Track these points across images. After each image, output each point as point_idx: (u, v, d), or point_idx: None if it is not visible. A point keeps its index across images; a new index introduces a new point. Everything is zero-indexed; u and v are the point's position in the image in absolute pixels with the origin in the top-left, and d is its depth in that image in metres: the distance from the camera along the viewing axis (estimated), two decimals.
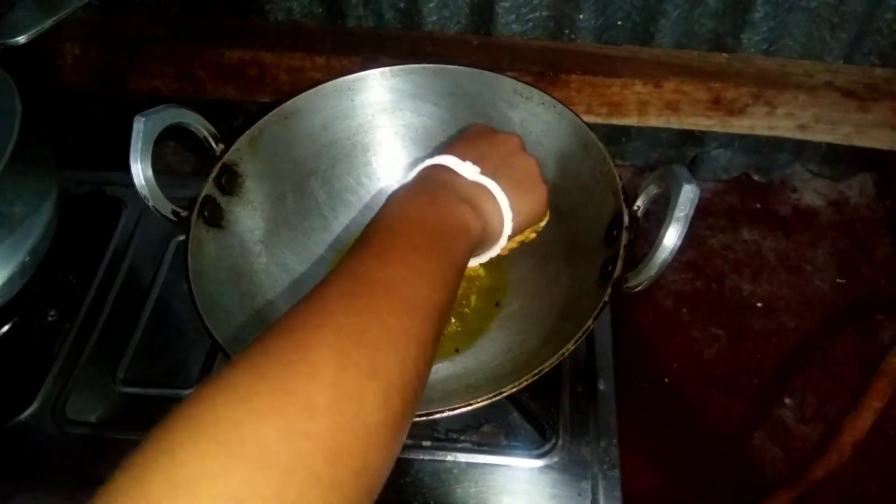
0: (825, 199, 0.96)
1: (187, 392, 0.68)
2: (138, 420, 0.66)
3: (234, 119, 0.98)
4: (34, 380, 0.68)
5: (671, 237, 0.51)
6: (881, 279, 0.88)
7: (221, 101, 0.91)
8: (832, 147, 0.91)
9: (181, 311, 0.73)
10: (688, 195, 0.51)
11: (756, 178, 0.98)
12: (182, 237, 0.77)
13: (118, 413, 0.67)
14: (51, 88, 0.90)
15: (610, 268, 0.56)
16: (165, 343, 0.71)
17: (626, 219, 0.58)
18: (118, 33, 0.88)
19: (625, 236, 0.57)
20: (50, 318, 0.72)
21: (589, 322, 0.53)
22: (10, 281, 0.65)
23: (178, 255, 0.77)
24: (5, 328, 0.70)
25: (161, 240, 0.78)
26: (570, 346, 0.52)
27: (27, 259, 0.66)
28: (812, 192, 0.97)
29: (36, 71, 0.88)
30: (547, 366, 0.51)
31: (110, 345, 0.71)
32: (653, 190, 0.57)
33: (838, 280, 0.89)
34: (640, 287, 0.54)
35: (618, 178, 0.60)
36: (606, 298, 0.54)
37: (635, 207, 0.58)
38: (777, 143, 0.93)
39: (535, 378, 0.51)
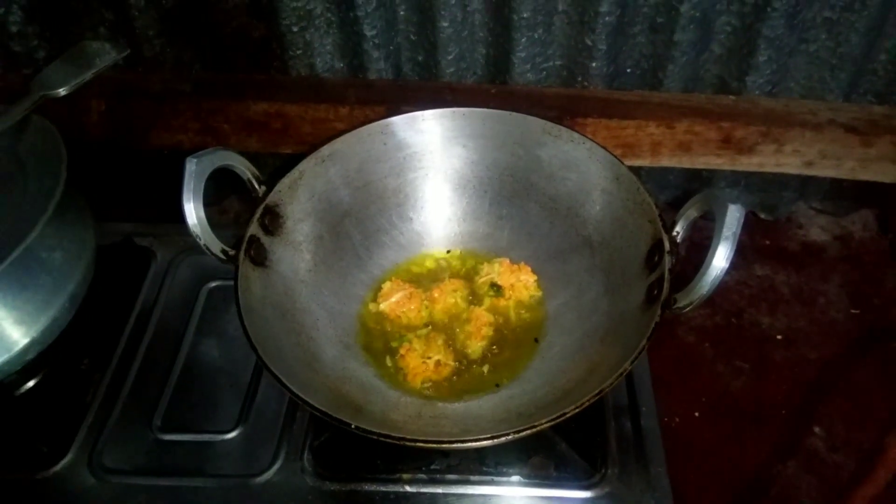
0: (830, 235, 0.99)
1: (226, 437, 0.67)
2: (177, 465, 0.65)
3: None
4: (68, 429, 0.67)
5: (720, 256, 0.53)
6: (893, 308, 0.91)
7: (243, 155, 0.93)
8: (834, 184, 0.95)
9: (216, 356, 0.73)
10: (734, 214, 0.53)
11: (762, 215, 1.01)
12: (214, 284, 0.77)
13: (156, 459, 0.66)
14: (76, 143, 0.91)
15: (656, 291, 0.58)
16: (201, 388, 0.71)
17: (666, 244, 0.59)
18: (142, 89, 0.90)
19: (668, 260, 0.58)
20: (83, 367, 0.71)
21: (643, 342, 0.54)
22: (50, 326, 0.64)
23: (210, 302, 0.77)
24: (39, 376, 0.69)
25: (192, 287, 0.78)
26: (628, 366, 0.53)
27: (66, 304, 0.65)
28: (817, 228, 1.00)
29: (62, 127, 0.89)
30: (607, 385, 0.52)
31: (145, 392, 0.70)
32: (692, 214, 0.59)
33: (852, 311, 0.91)
34: (689, 307, 0.55)
35: (654, 206, 0.62)
36: (658, 319, 0.55)
37: (674, 233, 0.60)
38: (782, 182, 0.96)
39: (595, 398, 0.52)
